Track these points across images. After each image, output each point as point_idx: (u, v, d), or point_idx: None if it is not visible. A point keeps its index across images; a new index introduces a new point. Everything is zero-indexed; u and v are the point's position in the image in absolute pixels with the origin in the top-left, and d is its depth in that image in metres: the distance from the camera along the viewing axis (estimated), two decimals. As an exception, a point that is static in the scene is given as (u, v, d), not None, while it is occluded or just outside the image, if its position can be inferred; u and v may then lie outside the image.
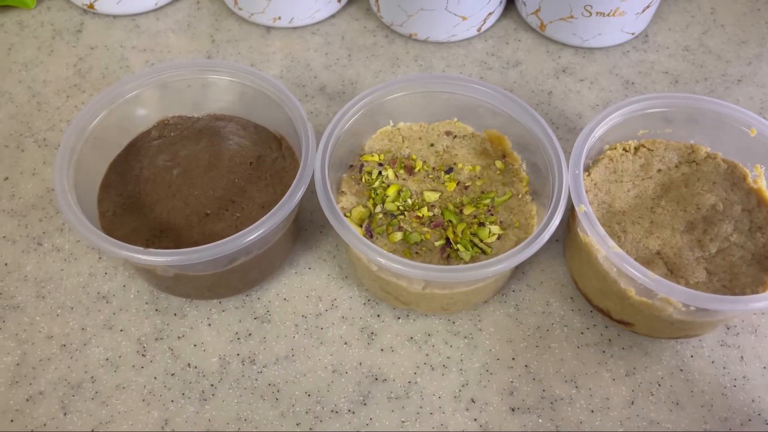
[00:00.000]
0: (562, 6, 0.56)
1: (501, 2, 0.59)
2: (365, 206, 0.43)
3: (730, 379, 0.42)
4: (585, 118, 0.54)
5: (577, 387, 0.42)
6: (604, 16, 0.55)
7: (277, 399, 0.41)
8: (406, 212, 0.43)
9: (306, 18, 0.59)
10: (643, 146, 0.45)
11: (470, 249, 0.41)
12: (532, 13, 0.58)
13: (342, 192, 0.44)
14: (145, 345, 0.43)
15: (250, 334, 0.44)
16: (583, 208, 0.39)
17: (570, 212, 0.43)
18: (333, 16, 0.61)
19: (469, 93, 0.45)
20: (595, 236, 0.38)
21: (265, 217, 0.38)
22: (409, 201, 0.44)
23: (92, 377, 0.42)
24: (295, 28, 0.60)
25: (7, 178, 0.50)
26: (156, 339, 0.43)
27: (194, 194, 0.43)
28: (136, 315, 0.44)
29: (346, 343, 0.43)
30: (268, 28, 0.60)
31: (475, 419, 0.41)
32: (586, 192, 0.42)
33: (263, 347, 0.43)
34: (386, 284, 0.41)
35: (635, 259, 0.39)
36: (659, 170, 0.45)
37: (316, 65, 0.57)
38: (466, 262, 0.41)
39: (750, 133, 0.43)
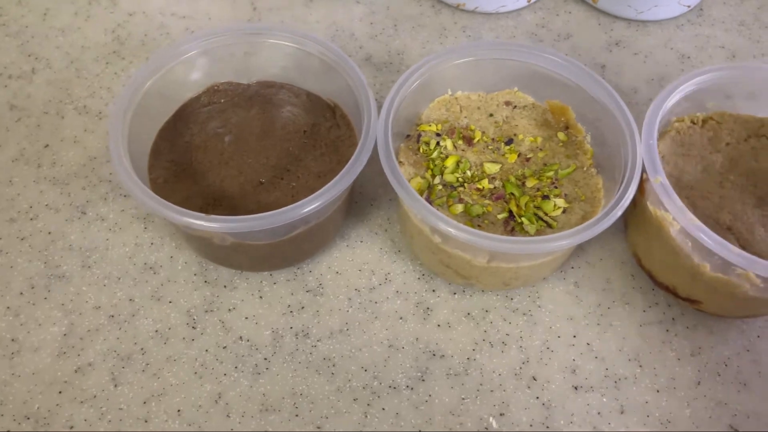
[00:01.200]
0: (617, -24, 0.54)
1: (552, -28, 0.57)
2: (423, 177, 0.42)
3: (799, 361, 0.41)
4: (641, 92, 0.53)
5: (641, 366, 0.41)
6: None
7: (333, 374, 0.40)
8: (465, 184, 0.42)
9: (350, -14, 0.57)
10: (711, 119, 0.44)
11: (535, 222, 0.40)
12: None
13: (400, 162, 0.42)
14: (195, 317, 0.42)
15: (302, 308, 0.42)
16: (659, 180, 0.37)
17: (638, 185, 0.41)
18: (377, -15, 0.59)
19: (532, 60, 0.43)
20: (672, 208, 0.36)
21: (327, 186, 0.36)
22: (469, 173, 0.42)
23: (142, 349, 0.41)
24: (338, -3, 0.58)
25: (47, 146, 0.48)
26: (206, 311, 0.42)
27: (248, 162, 0.42)
28: (185, 286, 0.43)
29: (401, 318, 0.42)
30: (311, -3, 0.58)
31: (537, 397, 0.40)
32: None
33: (317, 321, 0.42)
34: (448, 257, 0.40)
35: None
36: (727, 144, 0.43)
37: (362, 35, 0.56)
38: (532, 236, 0.39)
39: None
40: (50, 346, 0.40)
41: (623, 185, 0.37)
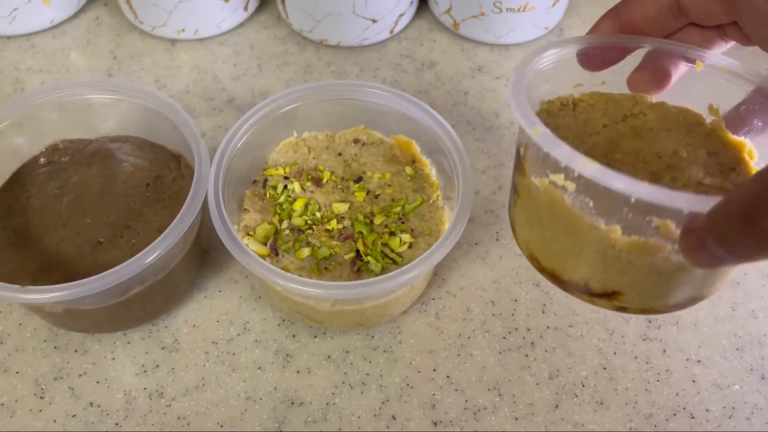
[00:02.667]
0: (472, 3, 0.55)
1: (412, 3, 0.58)
2: (270, 223, 0.41)
3: (653, 374, 0.42)
4: (502, 116, 0.53)
5: (500, 395, 0.41)
6: (514, 12, 0.54)
7: (186, 433, 0.39)
8: (314, 226, 0.41)
9: (212, 28, 0.56)
10: (582, 101, 0.41)
11: (381, 260, 0.39)
12: (445, 12, 0.57)
13: (245, 210, 0.42)
14: (43, 386, 0.40)
15: (157, 366, 0.41)
16: (537, 130, 0.31)
17: (516, 170, 0.37)
18: (241, 25, 0.59)
19: (365, 97, 0.43)
20: (562, 154, 0.30)
21: (155, 242, 0.36)
22: (318, 214, 0.42)
23: (-15, 426, 0.39)
24: (201, 40, 0.57)
25: None
26: (55, 379, 0.41)
27: (86, 222, 0.40)
28: (34, 354, 0.41)
29: (260, 368, 0.41)
30: (173, 41, 0.57)
31: (397, 437, 0.39)
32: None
33: (171, 379, 0.41)
34: (295, 304, 0.39)
35: None
36: (605, 125, 0.40)
37: (224, 77, 0.55)
38: (377, 275, 0.39)
39: (696, 68, 0.37)
40: None
41: (456, 212, 0.37)
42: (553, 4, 0.55)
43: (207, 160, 0.39)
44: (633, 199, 0.29)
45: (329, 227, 0.41)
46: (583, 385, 0.41)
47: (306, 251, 0.40)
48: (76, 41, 0.57)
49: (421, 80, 0.56)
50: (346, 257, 0.40)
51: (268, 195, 0.42)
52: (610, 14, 0.36)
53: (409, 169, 0.44)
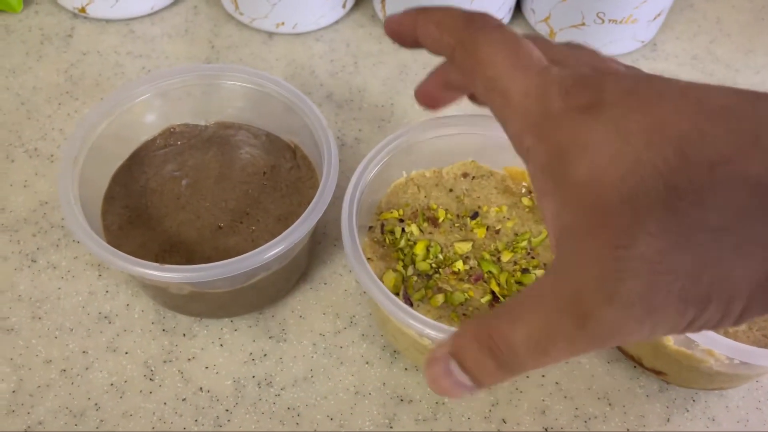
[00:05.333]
0: (573, 13, 0.55)
1: (510, 10, 0.58)
2: (396, 270, 0.39)
3: (764, 393, 0.41)
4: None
5: (610, 404, 0.40)
6: (616, 23, 0.54)
7: (297, 423, 0.39)
8: (440, 269, 0.40)
9: (310, 24, 0.57)
10: None
11: None
12: (542, 21, 0.57)
13: (369, 259, 0.40)
14: (152, 368, 0.40)
15: (265, 355, 0.41)
16: None
17: None
18: (337, 22, 0.59)
19: (478, 130, 0.42)
20: None
21: (288, 230, 0.35)
22: (440, 256, 0.40)
23: (96, 404, 0.39)
24: (298, 35, 0.58)
25: (-4, 191, 0.47)
26: (164, 361, 0.40)
27: (205, 206, 0.40)
28: (142, 336, 0.41)
29: (367, 363, 0.41)
30: (270, 34, 0.57)
31: (508, 441, 0.39)
32: None
33: (280, 368, 0.41)
34: (426, 348, 0.37)
35: None
36: None
37: (322, 72, 0.55)
38: None
39: None
40: (-3, 405, 0.38)
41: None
42: (655, 17, 0.55)
43: (336, 150, 0.39)
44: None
45: (455, 269, 0.40)
46: (693, 401, 0.41)
47: (440, 298, 0.38)
48: (174, 29, 0.57)
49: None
50: (483, 300, 0.38)
51: (387, 241, 0.41)
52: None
53: (525, 200, 0.43)
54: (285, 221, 0.40)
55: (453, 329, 0.33)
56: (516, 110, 0.21)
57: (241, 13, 0.56)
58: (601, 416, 0.40)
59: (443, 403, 0.40)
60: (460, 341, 0.21)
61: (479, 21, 0.23)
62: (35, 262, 0.44)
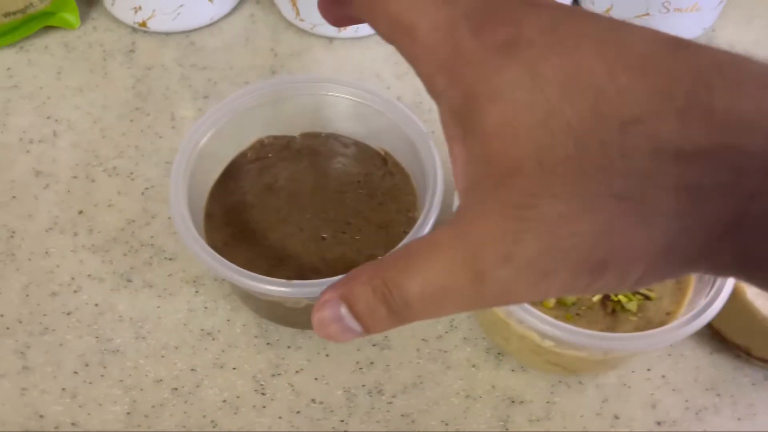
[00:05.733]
0: (637, 3, 0.54)
1: (569, 2, 0.58)
2: None
3: None
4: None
5: (719, 395, 0.41)
6: (681, 11, 0.54)
7: (413, 431, 0.39)
8: None
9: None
10: None
11: (633, 297, 0.38)
12: (604, 12, 0.57)
13: None
14: (262, 383, 0.40)
15: (371, 363, 0.41)
16: None
17: None
18: (395, 23, 0.59)
19: None
20: None
21: (411, 233, 0.35)
22: None
23: (212, 421, 0.39)
24: (359, 38, 0.57)
25: (81, 212, 0.46)
26: (273, 375, 0.40)
27: (306, 218, 0.40)
28: (247, 351, 0.41)
29: (474, 366, 0.41)
30: (331, 39, 0.57)
31: (622, 436, 0.39)
32: None
33: (388, 376, 0.41)
34: (557, 357, 0.38)
35: None
36: None
37: (388, 75, 0.55)
38: (635, 313, 0.38)
39: None
40: (114, 427, 0.38)
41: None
42: (719, 3, 0.55)
43: (440, 159, 0.38)
44: None
45: None
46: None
47: (551, 300, 0.38)
48: (235, 38, 0.57)
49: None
50: (594, 299, 0.39)
51: None
52: None
53: None
54: (386, 229, 0.40)
55: (585, 332, 0.33)
56: (425, 47, 0.19)
57: (302, 20, 0.56)
58: (712, 407, 0.40)
59: (554, 403, 0.40)
60: (353, 286, 0.21)
61: None
62: (130, 281, 0.44)
